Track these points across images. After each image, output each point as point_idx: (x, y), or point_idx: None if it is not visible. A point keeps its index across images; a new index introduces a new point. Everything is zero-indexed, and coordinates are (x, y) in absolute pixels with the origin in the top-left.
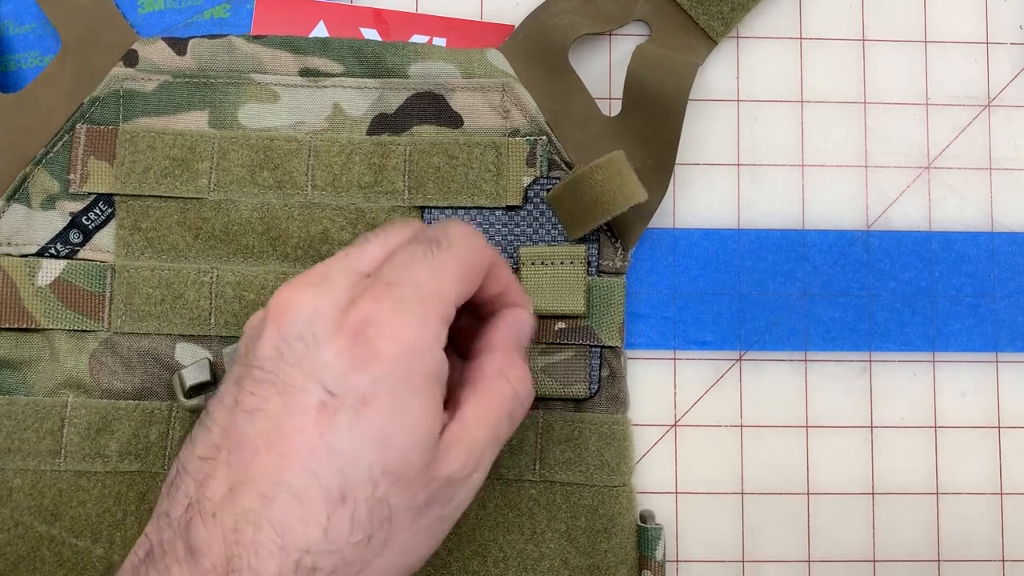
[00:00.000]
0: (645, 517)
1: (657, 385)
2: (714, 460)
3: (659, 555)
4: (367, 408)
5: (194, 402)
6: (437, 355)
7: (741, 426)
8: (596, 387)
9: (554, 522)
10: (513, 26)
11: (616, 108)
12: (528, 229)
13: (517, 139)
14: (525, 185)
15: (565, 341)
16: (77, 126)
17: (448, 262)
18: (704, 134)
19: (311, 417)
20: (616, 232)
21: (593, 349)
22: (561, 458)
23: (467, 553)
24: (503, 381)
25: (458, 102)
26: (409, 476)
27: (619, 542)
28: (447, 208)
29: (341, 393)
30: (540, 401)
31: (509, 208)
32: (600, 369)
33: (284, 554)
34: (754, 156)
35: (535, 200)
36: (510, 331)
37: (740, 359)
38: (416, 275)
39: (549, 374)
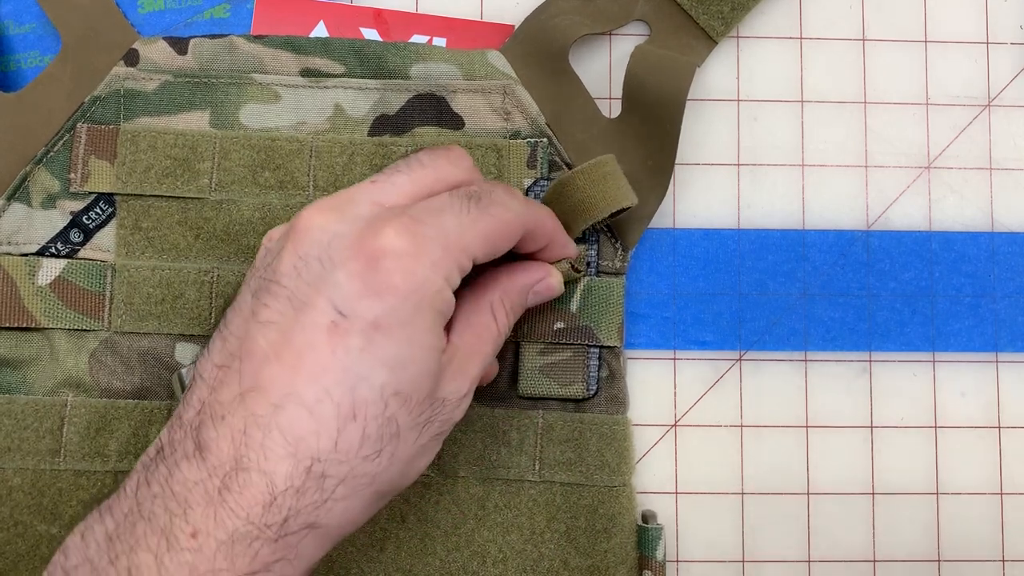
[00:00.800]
0: (647, 517)
1: (657, 385)
2: (714, 460)
3: (659, 555)
4: (377, 333)
5: None
6: (446, 296)
7: (741, 426)
8: (595, 388)
9: (554, 522)
10: (513, 26)
11: (616, 108)
12: None
13: (518, 141)
14: (526, 187)
15: (564, 341)
16: (78, 125)
17: (481, 221)
18: (704, 134)
19: (322, 335)
20: (615, 232)
21: (592, 350)
22: (561, 458)
23: (467, 554)
24: (491, 320)
25: (459, 104)
26: (417, 399)
27: (619, 542)
28: None
29: (351, 315)
30: (539, 401)
31: None
32: (599, 370)
33: (295, 460)
34: (754, 156)
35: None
36: (518, 278)
37: (740, 359)
38: (446, 223)
39: (547, 374)
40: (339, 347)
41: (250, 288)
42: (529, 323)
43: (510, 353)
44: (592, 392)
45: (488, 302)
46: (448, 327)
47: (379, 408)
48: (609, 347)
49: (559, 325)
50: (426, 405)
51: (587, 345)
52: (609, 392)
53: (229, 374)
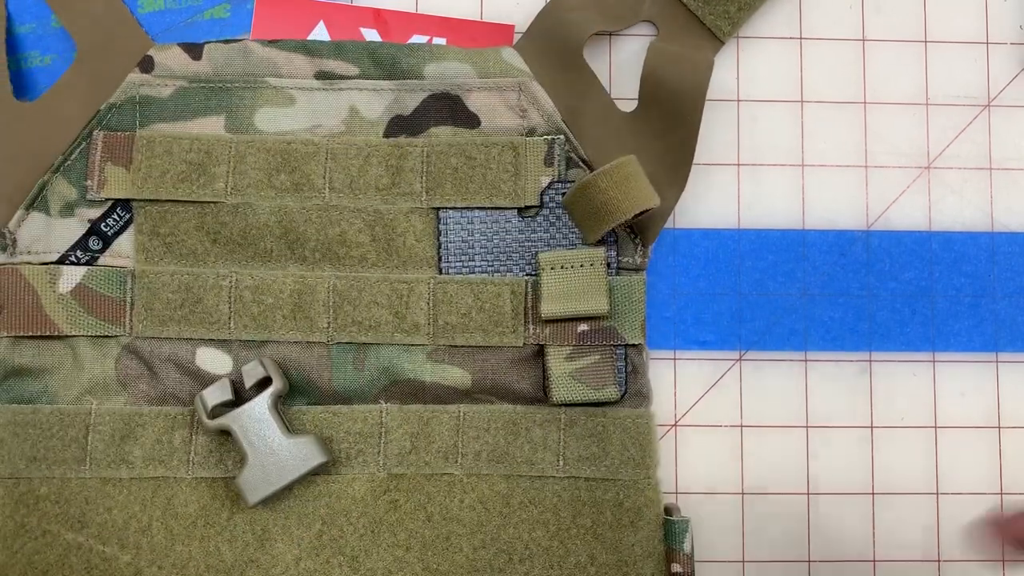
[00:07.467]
0: (670, 510)
1: (657, 385)
2: (714, 460)
3: (687, 547)
4: None
5: (217, 422)
6: None
7: (741, 426)
8: (625, 388)
9: (579, 518)
10: (513, 26)
11: (622, 106)
12: (545, 235)
13: (535, 139)
14: (544, 185)
15: (589, 343)
16: (94, 132)
17: None
18: (704, 134)
19: None
20: (635, 228)
21: (618, 350)
22: (585, 454)
23: (493, 551)
24: None
25: (475, 102)
26: None
27: (646, 536)
28: (465, 208)
29: None
30: (570, 405)
31: (526, 211)
32: (626, 368)
33: None
34: (754, 156)
35: (551, 205)
36: None
37: (740, 359)
38: None
39: (579, 379)
40: None
41: None
42: (552, 328)
43: (534, 359)
44: (623, 392)
45: None
46: None
47: None
48: (633, 344)
49: (583, 327)
50: None
51: (613, 345)
52: (633, 387)
53: None
